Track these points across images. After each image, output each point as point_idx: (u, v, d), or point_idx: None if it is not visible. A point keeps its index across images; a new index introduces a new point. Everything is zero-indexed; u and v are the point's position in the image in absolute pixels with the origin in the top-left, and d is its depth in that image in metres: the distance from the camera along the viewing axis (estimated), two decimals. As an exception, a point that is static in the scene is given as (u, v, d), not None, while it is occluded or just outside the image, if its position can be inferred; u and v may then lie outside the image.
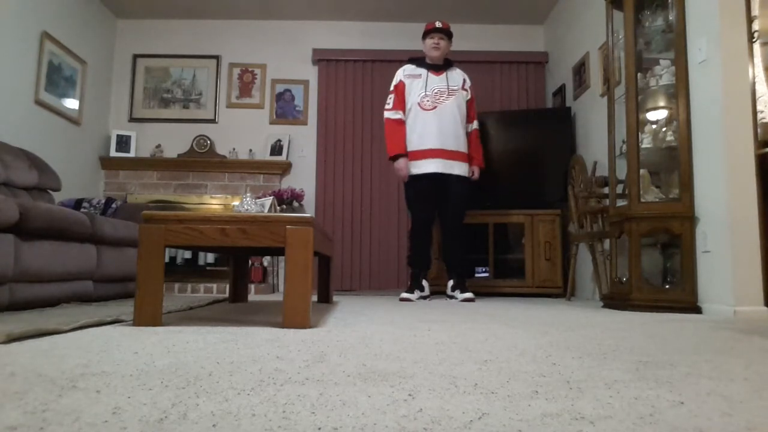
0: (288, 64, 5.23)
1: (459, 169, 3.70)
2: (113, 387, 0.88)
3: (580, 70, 4.37)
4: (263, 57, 5.23)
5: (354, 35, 5.27)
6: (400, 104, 3.76)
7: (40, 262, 2.41)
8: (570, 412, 0.76)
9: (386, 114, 3.78)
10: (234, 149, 5.03)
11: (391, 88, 3.82)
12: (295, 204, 4.19)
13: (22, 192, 3.31)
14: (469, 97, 3.86)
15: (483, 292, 4.26)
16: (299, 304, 1.79)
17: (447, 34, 3.80)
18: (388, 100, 3.80)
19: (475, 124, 3.92)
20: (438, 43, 3.75)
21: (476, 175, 3.85)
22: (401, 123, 3.74)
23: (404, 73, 3.81)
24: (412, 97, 3.73)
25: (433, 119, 3.66)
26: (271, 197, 2.52)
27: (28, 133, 3.94)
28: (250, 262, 4.24)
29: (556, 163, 4.38)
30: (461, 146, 3.74)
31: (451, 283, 3.74)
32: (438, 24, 3.79)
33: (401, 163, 3.68)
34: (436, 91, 3.72)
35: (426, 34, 3.81)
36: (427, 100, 3.69)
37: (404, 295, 3.61)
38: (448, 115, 3.69)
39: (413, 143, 3.69)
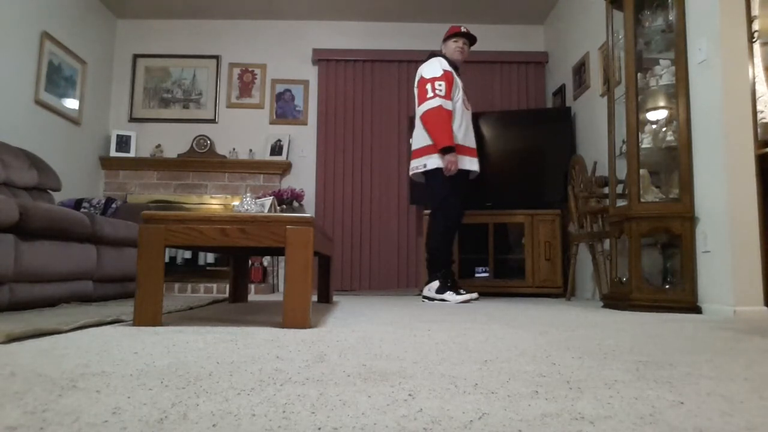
0: (288, 64, 5.23)
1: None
2: (113, 387, 0.88)
3: (580, 70, 4.37)
4: (263, 57, 5.23)
5: (354, 35, 5.27)
6: (451, 94, 3.51)
7: (40, 262, 2.41)
8: (570, 412, 0.76)
9: (439, 101, 3.43)
10: (234, 149, 5.03)
11: (439, 74, 3.50)
12: (295, 204, 4.19)
13: (22, 192, 3.31)
14: None
15: (483, 292, 4.26)
16: (299, 304, 1.79)
17: (471, 40, 3.76)
18: (439, 87, 3.46)
19: None
20: (462, 48, 3.72)
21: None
22: (451, 115, 3.50)
23: (447, 66, 3.59)
24: (458, 92, 3.61)
25: (469, 119, 3.70)
26: (271, 197, 2.52)
27: (28, 133, 3.94)
28: (250, 262, 4.23)
29: (556, 163, 4.38)
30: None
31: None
32: (464, 29, 3.73)
33: (455, 156, 3.45)
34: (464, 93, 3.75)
35: (450, 36, 3.74)
36: (466, 99, 3.70)
37: (461, 297, 3.40)
38: (471, 118, 3.76)
39: (459, 137, 3.55)
